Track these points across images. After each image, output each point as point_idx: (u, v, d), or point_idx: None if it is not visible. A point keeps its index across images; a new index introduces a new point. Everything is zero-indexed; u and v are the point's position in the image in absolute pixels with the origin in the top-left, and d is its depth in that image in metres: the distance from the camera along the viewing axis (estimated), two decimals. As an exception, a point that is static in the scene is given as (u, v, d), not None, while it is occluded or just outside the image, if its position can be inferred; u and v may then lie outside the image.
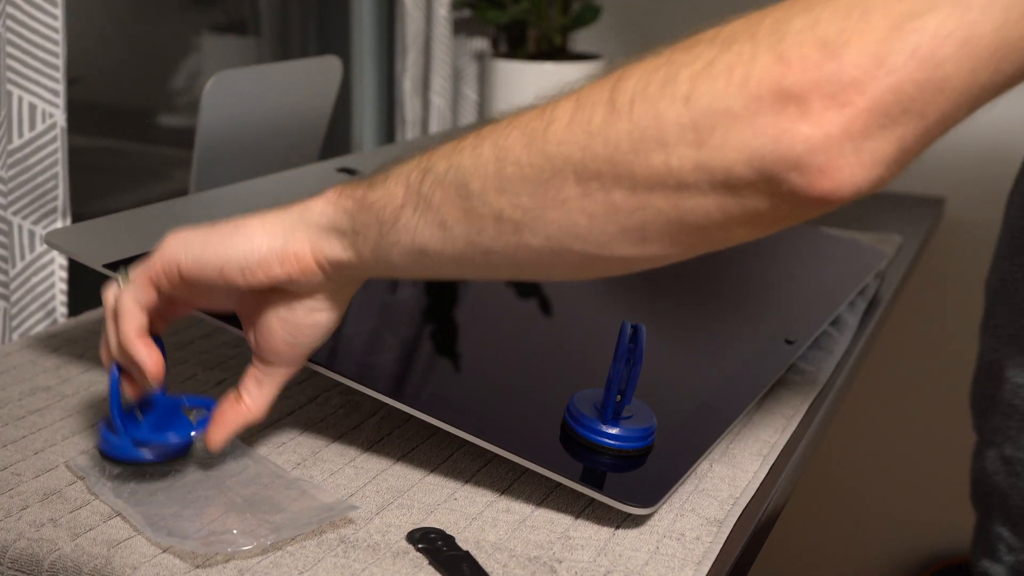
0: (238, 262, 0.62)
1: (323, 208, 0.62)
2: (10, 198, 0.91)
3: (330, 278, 0.63)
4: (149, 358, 0.64)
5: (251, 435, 0.73)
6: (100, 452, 0.67)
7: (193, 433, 0.67)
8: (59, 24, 0.91)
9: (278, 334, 0.65)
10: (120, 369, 0.66)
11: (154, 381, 0.64)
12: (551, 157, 0.53)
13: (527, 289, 0.91)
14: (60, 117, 0.93)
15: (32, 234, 0.93)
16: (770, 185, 0.49)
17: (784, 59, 0.47)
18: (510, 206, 0.54)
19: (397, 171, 0.59)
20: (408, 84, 1.48)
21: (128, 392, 0.67)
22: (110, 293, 0.66)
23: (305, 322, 0.65)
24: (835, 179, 0.48)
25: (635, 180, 0.51)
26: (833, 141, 0.47)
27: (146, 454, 0.66)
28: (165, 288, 0.64)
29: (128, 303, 0.64)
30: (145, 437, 0.66)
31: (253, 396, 0.67)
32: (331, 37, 1.62)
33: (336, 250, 0.61)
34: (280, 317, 0.65)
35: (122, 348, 0.65)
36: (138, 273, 0.65)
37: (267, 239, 0.62)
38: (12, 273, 0.93)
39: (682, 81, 0.49)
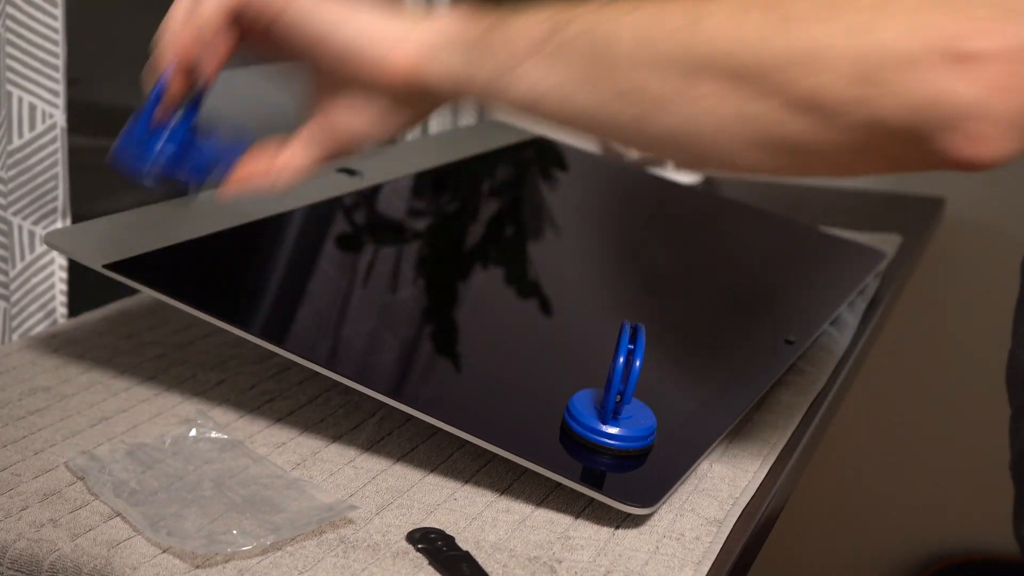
0: (336, 48, 0.60)
1: (444, 26, 0.59)
2: (10, 198, 0.91)
3: (416, 100, 0.61)
4: (220, 40, 0.62)
5: (251, 435, 0.73)
6: (111, 158, 0.64)
7: (213, 164, 0.66)
8: (59, 24, 0.91)
9: (347, 116, 0.63)
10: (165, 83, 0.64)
11: (211, 72, 0.63)
12: (697, 50, 0.51)
13: (527, 289, 0.91)
14: (60, 117, 0.93)
15: (32, 234, 0.93)
16: (916, 136, 0.47)
17: (961, 16, 0.46)
18: (643, 86, 0.52)
19: (531, 15, 0.57)
20: (408, 84, 1.48)
21: (170, 96, 0.65)
22: None
23: (377, 122, 0.63)
24: (981, 148, 0.46)
25: (783, 97, 0.49)
26: (995, 110, 0.46)
27: (156, 165, 0.65)
28: (249, 16, 0.62)
29: None
30: (165, 148, 0.65)
31: (294, 152, 0.65)
32: (331, 37, 1.62)
33: (442, 73, 0.59)
34: (354, 107, 0.62)
35: (198, 20, 0.62)
36: None
37: (378, 34, 0.60)
38: (12, 273, 0.93)
39: (854, 12, 0.48)
